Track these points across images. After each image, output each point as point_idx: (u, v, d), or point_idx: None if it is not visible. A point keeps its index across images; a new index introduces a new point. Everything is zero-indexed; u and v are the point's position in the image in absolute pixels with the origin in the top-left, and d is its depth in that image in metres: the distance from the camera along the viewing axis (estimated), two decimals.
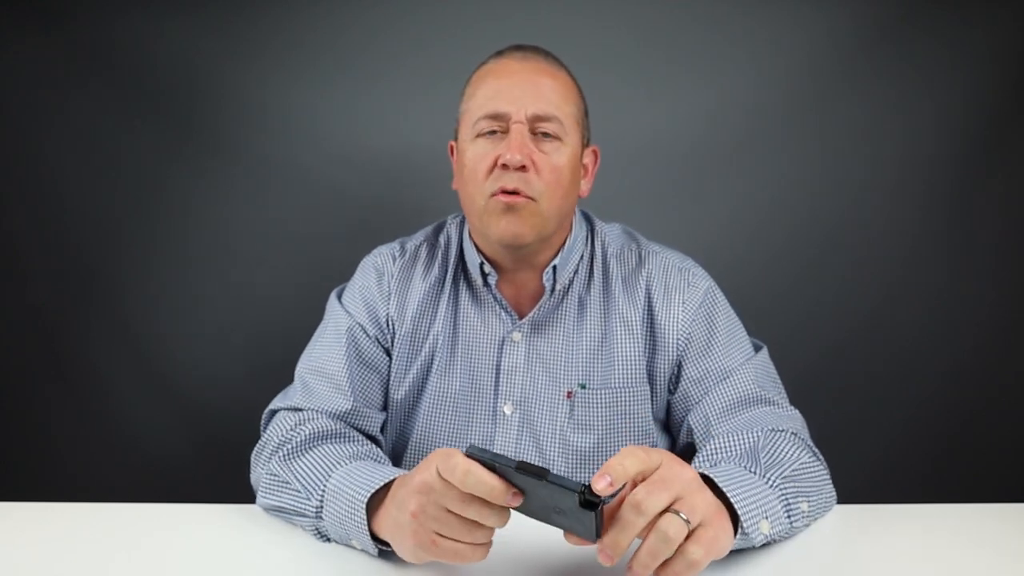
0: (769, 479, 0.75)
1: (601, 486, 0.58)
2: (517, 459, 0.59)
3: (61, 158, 1.69)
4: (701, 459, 0.88)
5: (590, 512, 0.58)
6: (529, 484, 0.59)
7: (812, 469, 0.83)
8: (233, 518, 0.86)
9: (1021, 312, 1.69)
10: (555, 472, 0.59)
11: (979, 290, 1.69)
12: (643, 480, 0.62)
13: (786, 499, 0.75)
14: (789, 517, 0.74)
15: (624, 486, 0.62)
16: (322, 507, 0.78)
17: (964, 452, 1.72)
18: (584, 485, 0.57)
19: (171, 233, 1.72)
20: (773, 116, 1.67)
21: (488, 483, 0.60)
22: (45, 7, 1.65)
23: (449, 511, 0.63)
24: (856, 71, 1.65)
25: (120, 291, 1.73)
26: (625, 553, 0.61)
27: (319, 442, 0.89)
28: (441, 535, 0.65)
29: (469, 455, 0.61)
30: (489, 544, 0.66)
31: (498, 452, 0.61)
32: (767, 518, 0.71)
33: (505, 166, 0.93)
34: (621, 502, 0.62)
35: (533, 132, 0.95)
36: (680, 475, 0.62)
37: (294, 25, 1.67)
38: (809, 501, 0.79)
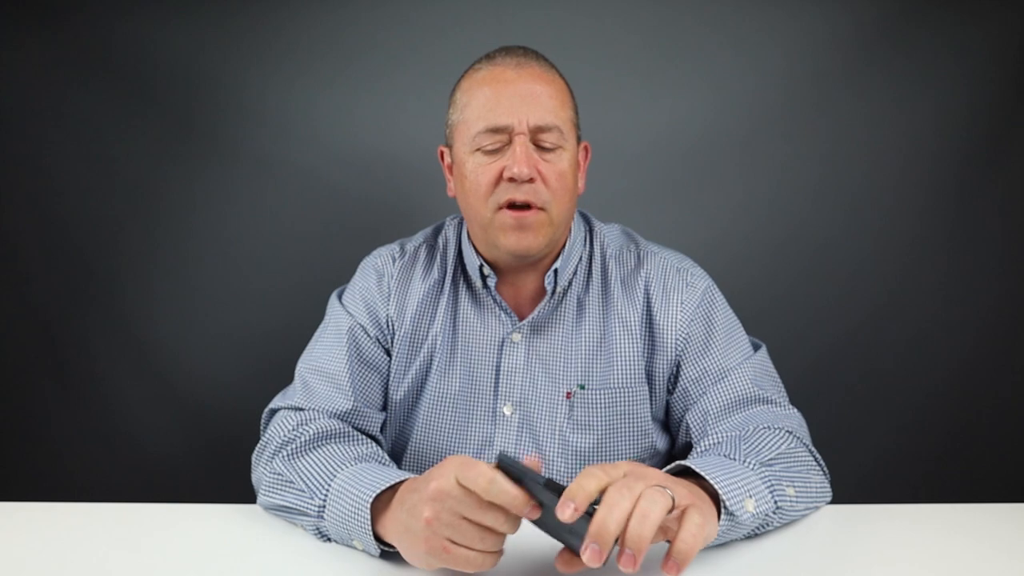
0: (748, 463, 0.76)
1: (567, 514, 0.58)
2: (546, 476, 0.60)
3: (61, 158, 1.69)
4: (693, 456, 0.88)
5: None
6: (552, 501, 0.60)
7: (795, 455, 0.84)
8: (233, 518, 0.86)
9: (1022, 312, 1.69)
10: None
11: (980, 289, 1.69)
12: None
13: (768, 481, 0.76)
14: (773, 496, 0.75)
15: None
16: (324, 507, 0.78)
17: (964, 452, 1.72)
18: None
19: (171, 233, 1.72)
20: (773, 116, 1.67)
21: (511, 493, 0.61)
22: (45, 7, 1.65)
23: (464, 518, 0.64)
24: (856, 71, 1.65)
25: (120, 291, 1.73)
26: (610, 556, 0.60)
27: (323, 442, 0.89)
28: (454, 542, 0.64)
29: (500, 464, 0.61)
30: (500, 553, 0.66)
31: (527, 466, 0.62)
32: (751, 497, 0.72)
33: (512, 179, 0.93)
34: None
35: (534, 142, 0.95)
36: (647, 473, 0.64)
37: (294, 25, 1.67)
38: (795, 486, 0.79)
